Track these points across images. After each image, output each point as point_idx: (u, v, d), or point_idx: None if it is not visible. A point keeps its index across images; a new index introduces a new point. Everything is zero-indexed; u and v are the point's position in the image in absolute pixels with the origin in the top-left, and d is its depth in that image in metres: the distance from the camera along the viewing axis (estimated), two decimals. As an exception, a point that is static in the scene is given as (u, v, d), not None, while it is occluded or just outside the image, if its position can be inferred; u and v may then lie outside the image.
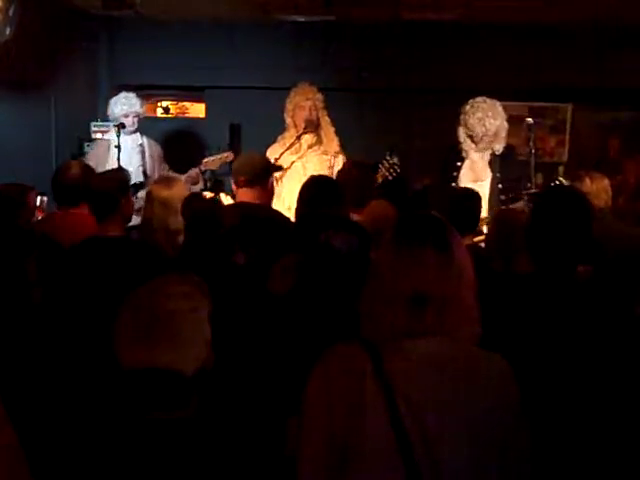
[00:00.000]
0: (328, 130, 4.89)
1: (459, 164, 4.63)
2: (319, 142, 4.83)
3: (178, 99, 7.62)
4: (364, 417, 1.52)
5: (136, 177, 4.80)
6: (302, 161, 4.74)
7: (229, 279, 2.82)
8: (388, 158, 4.50)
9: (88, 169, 4.01)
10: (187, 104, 7.86)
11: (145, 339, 1.57)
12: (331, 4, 5.46)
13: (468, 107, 4.56)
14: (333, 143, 4.86)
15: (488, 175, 4.58)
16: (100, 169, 4.34)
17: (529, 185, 4.40)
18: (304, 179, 3.49)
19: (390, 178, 4.43)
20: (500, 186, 4.51)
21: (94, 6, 5.92)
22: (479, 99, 4.58)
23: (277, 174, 4.60)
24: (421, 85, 6.60)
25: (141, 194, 4.43)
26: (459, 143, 4.67)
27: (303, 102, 4.79)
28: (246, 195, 3.51)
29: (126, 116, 5.29)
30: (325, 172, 4.56)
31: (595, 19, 5.93)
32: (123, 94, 5.40)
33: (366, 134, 5.11)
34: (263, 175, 3.57)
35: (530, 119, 4.59)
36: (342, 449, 1.53)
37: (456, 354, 1.56)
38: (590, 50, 6.32)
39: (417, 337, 1.55)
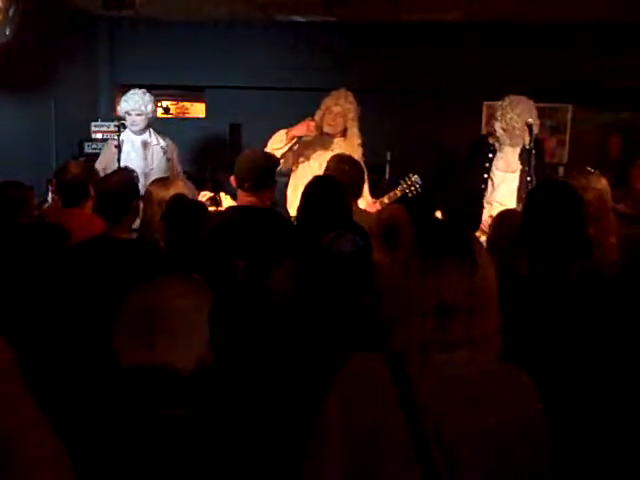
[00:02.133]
0: (353, 140, 4.83)
1: (490, 156, 4.70)
2: (341, 149, 4.75)
3: (178, 99, 7.62)
4: (384, 433, 1.48)
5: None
6: (319, 161, 4.69)
7: (231, 282, 2.82)
8: (411, 175, 4.55)
9: (89, 168, 4.00)
10: (187, 104, 7.88)
11: (144, 337, 1.57)
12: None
13: (507, 102, 4.64)
14: (355, 153, 4.77)
15: (518, 167, 4.68)
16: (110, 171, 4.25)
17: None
18: None
19: (410, 195, 4.48)
20: (529, 179, 4.59)
21: (94, 6, 5.92)
22: (515, 96, 4.67)
23: (291, 176, 4.65)
24: (421, 85, 6.60)
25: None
26: (490, 136, 4.74)
27: (333, 107, 4.78)
28: (249, 198, 3.42)
29: (128, 114, 5.09)
30: None
31: (595, 19, 5.94)
32: (131, 91, 5.18)
33: (365, 134, 5.10)
34: (268, 179, 3.48)
35: (530, 119, 4.60)
36: (362, 468, 1.49)
37: (481, 368, 1.54)
38: (590, 50, 6.33)
39: (442, 350, 1.52)
